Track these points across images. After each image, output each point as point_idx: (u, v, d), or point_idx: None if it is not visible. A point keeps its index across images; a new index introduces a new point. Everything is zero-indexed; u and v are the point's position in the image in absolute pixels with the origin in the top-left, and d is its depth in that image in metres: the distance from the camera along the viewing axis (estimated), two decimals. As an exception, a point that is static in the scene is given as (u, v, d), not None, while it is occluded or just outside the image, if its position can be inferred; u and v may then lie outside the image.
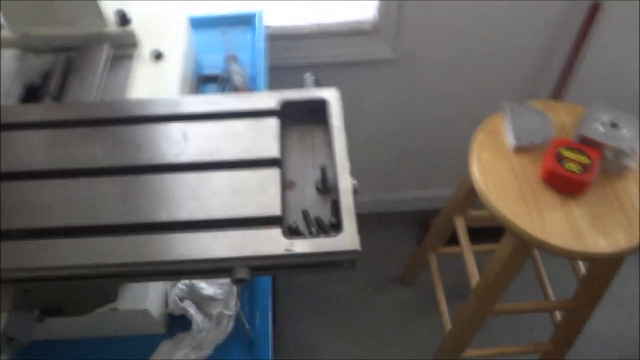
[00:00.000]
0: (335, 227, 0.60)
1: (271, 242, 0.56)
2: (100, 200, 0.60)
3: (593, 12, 1.21)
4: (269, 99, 0.69)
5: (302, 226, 0.60)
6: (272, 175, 0.62)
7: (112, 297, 0.67)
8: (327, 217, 0.61)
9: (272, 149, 0.64)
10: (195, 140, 0.66)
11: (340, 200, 0.59)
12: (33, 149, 0.66)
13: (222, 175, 0.62)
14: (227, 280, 0.80)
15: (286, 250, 0.55)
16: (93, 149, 0.66)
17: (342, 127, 0.66)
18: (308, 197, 0.63)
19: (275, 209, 0.59)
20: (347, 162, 0.62)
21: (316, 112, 0.71)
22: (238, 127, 0.67)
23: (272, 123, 0.67)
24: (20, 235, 0.58)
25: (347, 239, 0.56)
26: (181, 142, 0.66)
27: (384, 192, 1.79)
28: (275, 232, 0.56)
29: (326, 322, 1.73)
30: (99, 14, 0.91)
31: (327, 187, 0.63)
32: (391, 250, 1.87)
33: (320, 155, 0.68)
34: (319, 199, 0.63)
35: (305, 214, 0.61)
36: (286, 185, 0.64)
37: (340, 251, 0.55)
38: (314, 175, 0.66)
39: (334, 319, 1.73)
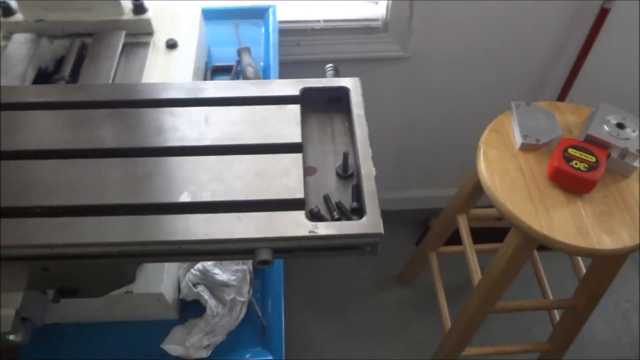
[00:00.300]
0: (357, 211, 0.60)
1: (295, 224, 0.56)
2: (123, 181, 0.61)
3: (602, 15, 1.24)
4: (290, 86, 0.70)
5: (323, 210, 0.61)
6: (294, 160, 0.63)
7: (130, 277, 0.67)
8: (347, 203, 0.62)
9: (294, 135, 0.65)
10: (217, 125, 0.66)
11: (363, 185, 0.59)
12: (55, 129, 0.66)
13: (245, 159, 0.63)
14: (240, 267, 0.80)
15: (310, 232, 0.55)
16: (116, 130, 0.66)
17: (364, 115, 0.67)
18: (329, 183, 0.64)
19: (298, 193, 0.59)
20: (369, 149, 0.63)
21: (336, 101, 0.72)
22: (260, 112, 0.68)
23: (294, 109, 0.68)
24: (43, 213, 0.58)
25: (371, 222, 0.56)
26: (203, 126, 0.66)
27: (385, 191, 1.81)
28: (299, 215, 0.57)
29: (325, 320, 1.73)
30: (116, 1, 0.91)
31: (347, 173, 0.64)
32: (390, 249, 1.88)
33: (340, 143, 0.69)
34: (340, 184, 0.64)
35: (326, 199, 0.62)
36: (307, 171, 0.65)
37: (364, 234, 0.56)
38: (334, 162, 0.66)
39: (332, 317, 1.74)
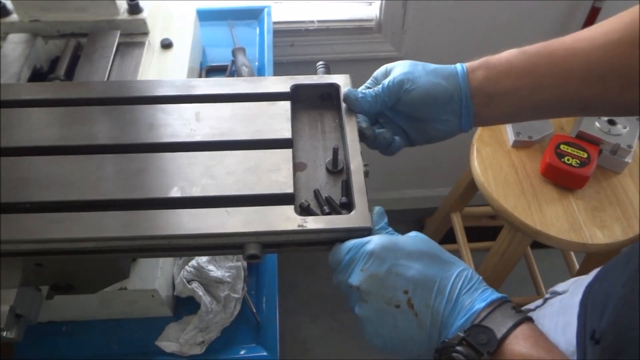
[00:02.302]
0: (346, 206, 0.61)
1: (284, 219, 0.56)
2: (114, 176, 0.61)
3: (593, 14, 1.25)
4: (281, 83, 0.70)
5: (313, 205, 0.61)
6: (284, 156, 0.63)
7: (125, 273, 0.67)
8: (337, 198, 0.62)
9: (284, 131, 0.65)
10: (208, 121, 0.66)
11: (352, 180, 0.60)
12: (47, 126, 0.66)
13: (235, 155, 0.63)
14: (234, 264, 0.81)
15: (299, 226, 0.55)
16: (107, 127, 0.66)
17: (354, 111, 0.67)
18: (319, 178, 0.64)
19: (288, 187, 0.59)
20: (359, 144, 0.63)
21: (327, 98, 0.73)
22: (250, 109, 0.68)
23: (284, 106, 0.68)
24: (34, 209, 0.59)
25: (359, 216, 0.56)
26: (194, 122, 0.66)
27: (379, 191, 1.81)
28: (288, 209, 0.57)
29: (320, 321, 1.73)
30: (111, 1, 0.92)
31: (337, 168, 0.64)
32: (386, 250, 1.88)
33: (331, 139, 0.69)
34: (330, 179, 0.64)
35: (316, 194, 0.62)
36: (297, 167, 0.65)
37: (353, 228, 0.56)
38: (324, 158, 0.66)
39: (328, 317, 1.74)
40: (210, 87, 0.71)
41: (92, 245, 0.57)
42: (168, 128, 0.66)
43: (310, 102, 0.73)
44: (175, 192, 0.59)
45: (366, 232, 0.57)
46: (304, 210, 0.60)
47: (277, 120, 0.67)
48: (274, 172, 0.61)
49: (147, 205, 0.58)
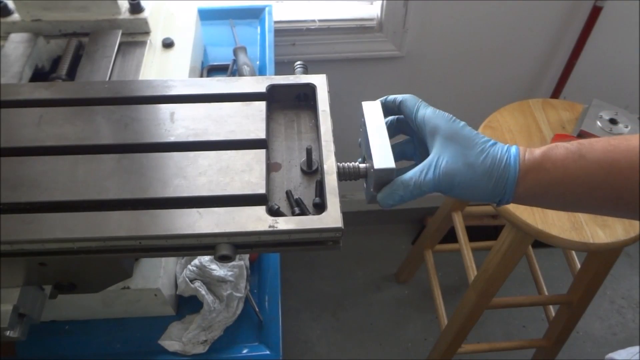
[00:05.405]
0: (320, 207, 0.60)
1: (255, 219, 0.56)
2: (87, 177, 0.60)
3: (594, 14, 1.25)
4: (257, 83, 0.70)
5: (284, 207, 0.61)
6: (258, 156, 0.62)
7: (128, 272, 0.67)
8: (312, 198, 0.62)
9: (259, 131, 0.64)
10: (182, 122, 0.65)
11: (325, 181, 0.59)
12: (20, 126, 0.65)
13: (208, 155, 0.62)
14: (237, 262, 0.81)
15: (270, 227, 0.55)
16: (81, 127, 0.65)
17: (329, 111, 0.67)
18: (293, 179, 0.63)
19: (260, 188, 0.59)
20: (333, 145, 0.62)
21: (304, 98, 0.72)
22: (226, 109, 0.67)
23: (259, 106, 0.67)
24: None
25: (331, 217, 0.56)
26: (169, 122, 0.66)
27: (381, 191, 1.81)
28: (260, 210, 0.57)
29: (322, 320, 1.74)
30: (113, 0, 0.92)
31: (312, 169, 0.64)
32: (387, 249, 1.89)
33: (307, 140, 0.68)
34: (304, 180, 0.63)
35: (288, 195, 0.62)
36: (272, 167, 0.65)
37: (323, 229, 0.55)
38: (299, 158, 0.66)
39: (329, 317, 1.74)
40: (186, 87, 0.70)
41: (57, 246, 0.55)
42: (143, 128, 0.65)
43: (287, 102, 0.72)
44: (148, 193, 0.59)
45: (337, 233, 0.57)
46: (274, 214, 0.59)
47: (251, 120, 0.66)
48: (247, 172, 0.61)
49: (119, 206, 0.58)
